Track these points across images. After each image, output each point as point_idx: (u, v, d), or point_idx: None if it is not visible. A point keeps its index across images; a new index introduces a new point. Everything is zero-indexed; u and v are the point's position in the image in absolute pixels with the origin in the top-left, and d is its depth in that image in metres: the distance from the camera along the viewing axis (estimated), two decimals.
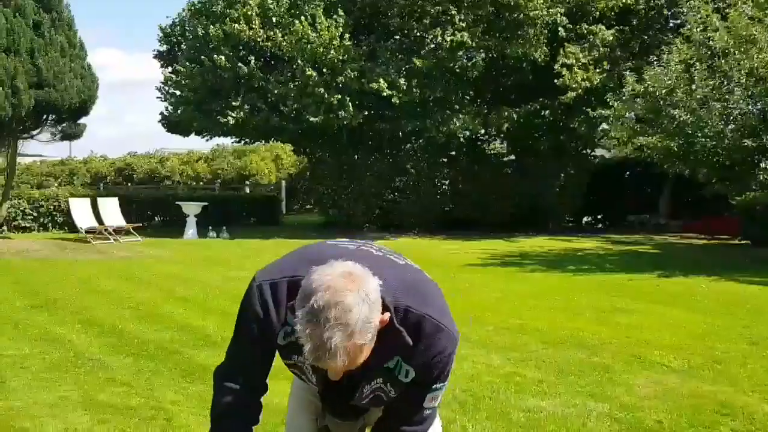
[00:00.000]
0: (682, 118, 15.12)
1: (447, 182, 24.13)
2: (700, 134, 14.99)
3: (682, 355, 7.42)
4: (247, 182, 34.24)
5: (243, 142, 27.19)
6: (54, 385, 6.04)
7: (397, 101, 20.16)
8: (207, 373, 6.11)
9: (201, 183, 36.14)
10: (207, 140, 26.87)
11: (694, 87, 15.17)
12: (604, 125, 21.44)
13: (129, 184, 35.12)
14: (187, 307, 9.88)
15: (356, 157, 23.66)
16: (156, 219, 24.27)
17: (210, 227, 21.49)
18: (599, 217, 28.30)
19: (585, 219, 28.13)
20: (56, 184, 31.69)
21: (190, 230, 21.07)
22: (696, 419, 5.47)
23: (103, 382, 6.18)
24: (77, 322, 8.63)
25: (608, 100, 17.87)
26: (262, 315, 2.06)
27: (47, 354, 7.09)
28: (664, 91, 15.62)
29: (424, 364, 2.00)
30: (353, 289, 1.77)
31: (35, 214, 20.90)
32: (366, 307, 1.77)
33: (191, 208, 21.47)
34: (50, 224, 21.15)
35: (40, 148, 28.40)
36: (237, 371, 2.21)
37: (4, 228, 19.51)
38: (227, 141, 31.88)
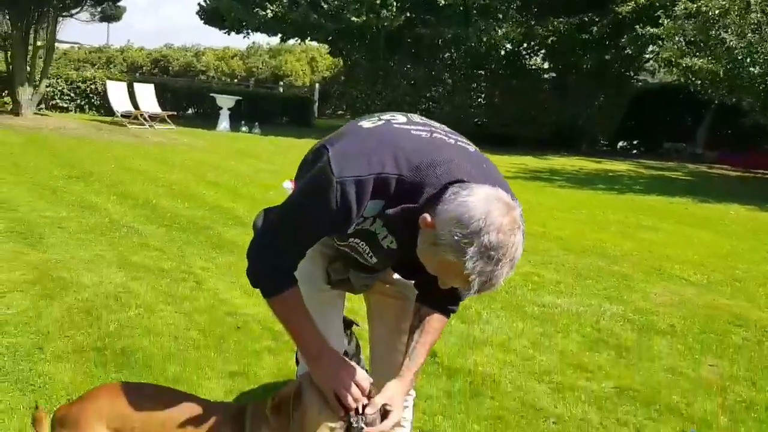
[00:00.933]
0: (732, 43, 14.59)
1: (483, 95, 23.78)
2: (749, 60, 14.49)
3: (703, 271, 7.48)
4: (281, 83, 34.04)
5: (279, 37, 26.86)
6: (90, 245, 6.31)
7: (442, 1, 19.60)
8: (236, 247, 6.35)
9: (235, 80, 36.03)
10: (244, 37, 26.61)
11: (749, 10, 14.55)
12: (652, 47, 20.77)
13: (164, 76, 35.15)
14: (218, 191, 10.10)
15: (392, 63, 23.30)
16: (190, 110, 24.43)
17: (242, 122, 21.61)
18: (635, 142, 27.86)
19: (620, 143, 27.71)
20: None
21: (223, 123, 21.22)
22: (708, 327, 5.57)
23: (137, 246, 6.44)
24: (112, 194, 8.90)
25: (659, 17, 17.24)
26: (343, 216, 1.91)
27: (83, 218, 7.36)
28: (717, 12, 15.01)
29: None
30: (517, 226, 1.82)
31: (72, 95, 21.17)
32: (523, 239, 1.87)
33: (225, 101, 21.54)
34: (87, 106, 21.44)
35: (78, 36, 28.28)
36: (284, 253, 2.05)
37: (42, 106, 19.80)
38: (263, 39, 31.46)
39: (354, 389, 1.97)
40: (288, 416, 2.00)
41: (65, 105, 21.18)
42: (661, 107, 26.34)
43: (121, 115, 19.06)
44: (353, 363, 2.09)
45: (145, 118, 19.10)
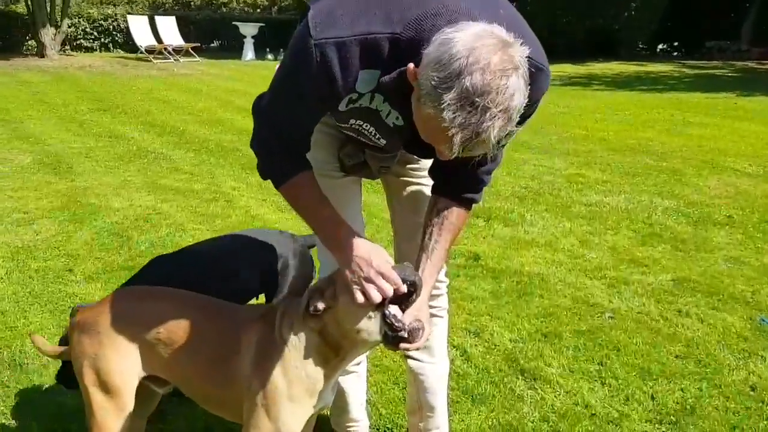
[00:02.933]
0: None
1: (515, 3, 22.71)
2: None
3: (758, 163, 7.05)
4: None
5: None
6: (118, 172, 6.18)
7: None
8: None
9: (258, 10, 35.21)
10: None
11: None
12: None
13: (185, 10, 34.47)
14: (246, 116, 9.83)
15: None
16: (214, 42, 23.97)
17: (267, 50, 21.13)
18: (675, 44, 26.55)
19: (659, 46, 26.47)
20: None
21: (249, 53, 20.77)
22: None
23: (166, 171, 6.29)
24: (140, 124, 8.74)
25: None
26: (326, 85, 1.60)
27: (111, 148, 7.22)
28: None
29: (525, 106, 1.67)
30: (512, 66, 1.38)
31: (96, 34, 20.88)
32: (525, 86, 1.42)
33: (248, 29, 21.02)
34: (111, 44, 21.16)
35: None
36: (284, 134, 1.75)
37: (67, 47, 19.63)
38: None
39: (384, 281, 1.66)
40: (321, 318, 1.79)
41: (89, 44, 20.92)
42: (701, 4, 24.92)
43: (145, 50, 18.78)
44: (382, 248, 1.81)
45: (169, 52, 18.79)
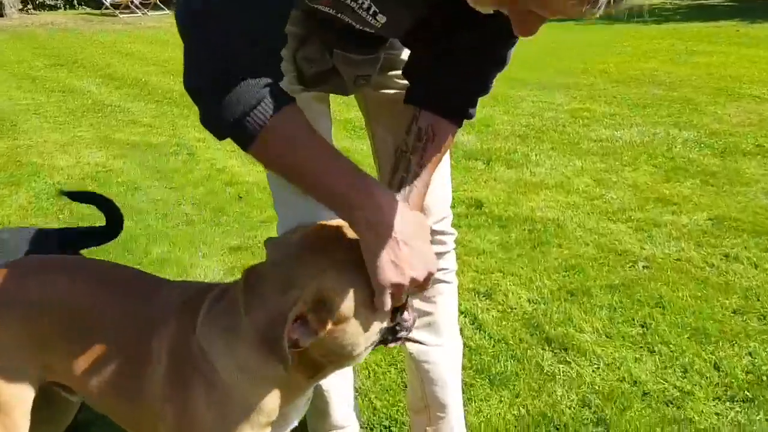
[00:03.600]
0: None
1: None
2: None
3: None
4: None
5: None
6: (68, 128, 5.48)
7: None
8: None
9: None
10: None
11: None
12: None
13: None
14: None
15: None
16: None
17: None
18: None
19: None
20: None
21: None
22: None
23: (122, 124, 5.59)
24: (98, 77, 7.97)
25: None
26: None
27: (63, 103, 6.49)
28: None
29: None
30: None
31: None
32: None
33: None
34: (76, 1, 20.07)
35: None
36: (234, 33, 1.02)
37: (30, 6, 18.56)
38: None
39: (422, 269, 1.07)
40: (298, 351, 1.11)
41: (53, 2, 19.82)
42: None
43: (111, 5, 17.74)
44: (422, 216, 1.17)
45: (136, 6, 17.76)
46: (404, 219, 1.05)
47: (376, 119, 1.57)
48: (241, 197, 3.84)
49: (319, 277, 1.08)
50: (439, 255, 1.52)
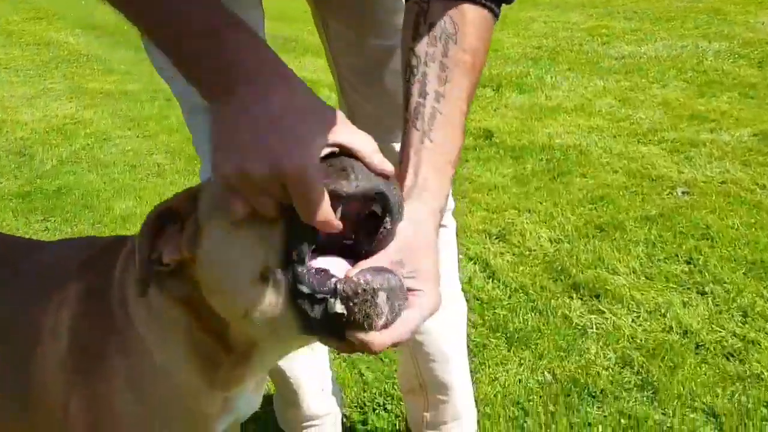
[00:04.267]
0: None
1: None
2: None
3: None
4: None
5: None
6: (38, 80, 5.05)
7: None
8: None
9: None
10: None
11: None
12: None
13: None
14: None
15: None
16: None
17: None
18: None
19: None
20: None
21: None
22: None
23: (97, 73, 5.15)
24: (78, 27, 7.47)
25: None
26: None
27: (38, 56, 6.04)
28: None
29: None
30: None
31: None
32: None
33: None
34: None
35: None
36: None
37: None
38: None
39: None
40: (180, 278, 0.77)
41: None
42: None
43: None
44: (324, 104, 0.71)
45: None
46: (293, 94, 0.65)
47: (328, 6, 1.11)
48: None
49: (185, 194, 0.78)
50: None
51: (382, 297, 0.62)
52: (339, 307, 0.61)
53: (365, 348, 0.62)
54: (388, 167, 0.64)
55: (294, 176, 0.60)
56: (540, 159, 2.93)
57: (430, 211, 0.72)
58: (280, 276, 0.65)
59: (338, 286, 0.62)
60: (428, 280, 0.67)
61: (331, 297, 0.61)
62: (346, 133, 0.64)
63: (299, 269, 0.63)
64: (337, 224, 0.61)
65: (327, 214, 0.60)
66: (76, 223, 2.62)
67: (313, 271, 0.64)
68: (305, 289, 0.62)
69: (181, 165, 3.15)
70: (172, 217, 0.75)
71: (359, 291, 0.61)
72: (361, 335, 0.62)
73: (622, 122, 3.26)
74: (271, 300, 0.66)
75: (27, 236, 2.53)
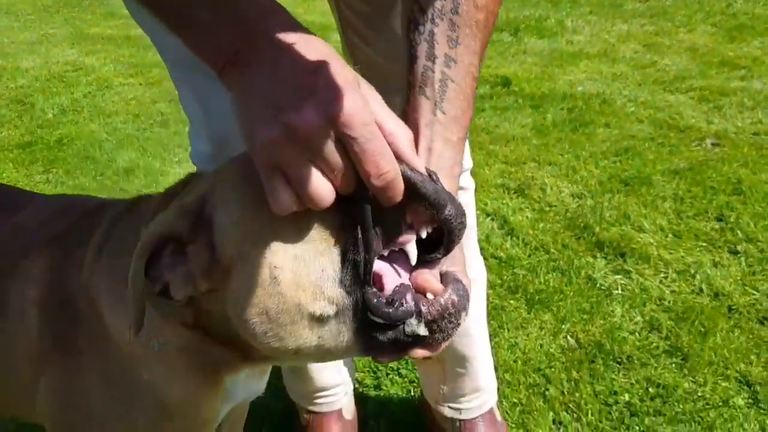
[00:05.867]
0: None
1: None
2: None
3: None
4: None
5: None
6: (39, 25, 4.89)
7: None
8: None
9: None
10: None
11: None
12: None
13: None
14: None
15: None
16: None
17: None
18: None
19: None
20: None
21: None
22: None
23: (99, 18, 4.99)
24: None
25: None
26: None
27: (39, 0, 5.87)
28: None
29: None
30: None
31: None
32: None
33: None
34: None
35: None
36: None
37: None
38: None
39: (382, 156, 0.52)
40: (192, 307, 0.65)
41: None
42: None
43: None
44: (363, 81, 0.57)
45: None
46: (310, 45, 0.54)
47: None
48: None
49: (212, 186, 0.62)
50: None
51: (464, 315, 0.57)
52: (423, 330, 0.55)
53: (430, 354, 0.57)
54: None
55: (353, 116, 0.50)
56: (561, 108, 2.79)
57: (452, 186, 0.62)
58: (346, 306, 0.56)
59: (423, 309, 0.55)
60: (457, 264, 0.58)
61: (413, 319, 0.55)
62: (386, 117, 0.53)
63: (369, 298, 0.55)
64: (400, 187, 0.53)
65: (393, 166, 0.52)
66: (78, 175, 2.53)
67: (384, 300, 0.55)
68: (379, 320, 0.55)
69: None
70: (173, 241, 0.61)
71: (446, 314, 0.56)
72: (426, 350, 0.56)
73: (648, 69, 3.10)
74: (334, 334, 0.57)
75: (28, 188, 2.46)
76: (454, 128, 0.65)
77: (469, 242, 1.12)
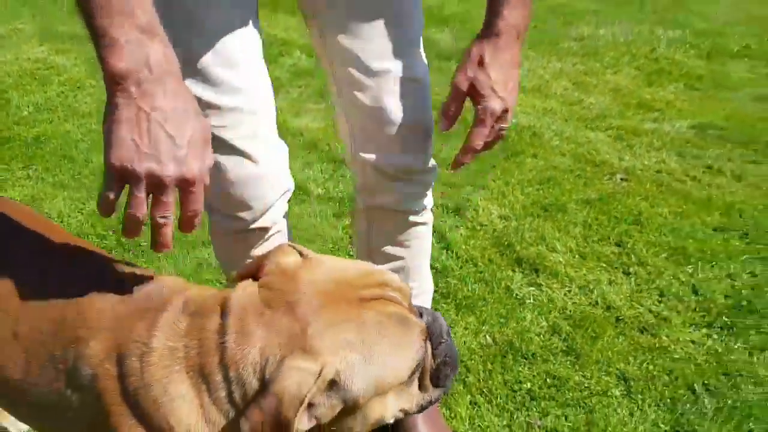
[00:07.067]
0: None
1: None
2: None
3: None
4: None
5: None
6: (7, 19, 5.01)
7: None
8: None
9: None
10: None
11: None
12: None
13: None
14: None
15: None
16: None
17: None
18: None
19: None
20: None
21: None
22: None
23: (67, 14, 5.13)
24: None
25: None
26: None
27: None
28: None
29: None
30: None
31: None
32: None
33: None
34: None
35: None
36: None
37: None
38: None
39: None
40: None
41: None
42: None
43: None
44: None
45: None
46: (173, 91, 0.79)
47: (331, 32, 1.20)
48: None
49: (341, 353, 0.82)
50: (416, 194, 1.32)
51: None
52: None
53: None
54: None
55: (195, 180, 0.79)
56: None
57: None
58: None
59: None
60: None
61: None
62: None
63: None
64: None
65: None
66: (57, 172, 2.75)
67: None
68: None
69: None
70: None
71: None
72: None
73: (574, 106, 3.50)
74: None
75: (10, 183, 2.67)
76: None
77: (423, 255, 1.45)
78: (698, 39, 4.56)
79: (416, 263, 1.45)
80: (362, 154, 1.27)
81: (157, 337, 0.83)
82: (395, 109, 1.20)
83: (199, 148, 0.80)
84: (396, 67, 1.19)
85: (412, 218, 1.39)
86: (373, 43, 1.16)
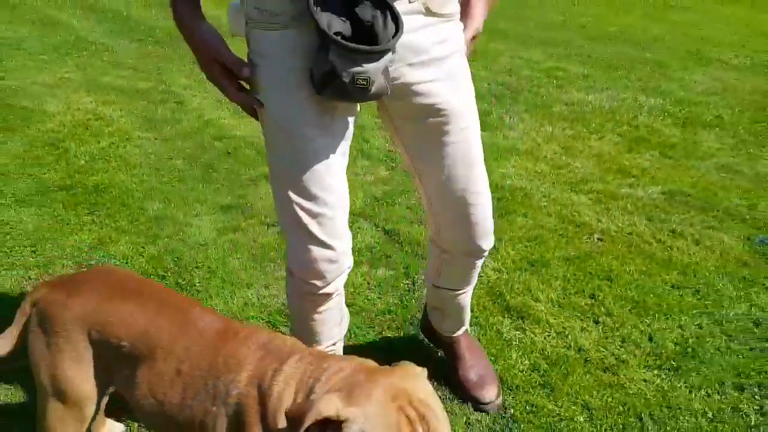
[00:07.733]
0: None
1: None
2: None
3: (744, 53, 6.69)
4: None
5: None
6: (54, 67, 5.55)
7: None
8: None
9: None
10: None
11: None
12: None
13: None
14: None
15: None
16: None
17: None
18: None
19: None
20: None
21: None
22: (759, 116, 4.93)
23: (107, 66, 5.68)
24: (78, 8, 7.91)
25: None
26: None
27: (46, 37, 6.50)
28: None
29: None
30: None
31: None
32: None
33: None
34: None
35: None
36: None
37: None
38: None
39: None
40: None
41: None
42: None
43: None
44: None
45: None
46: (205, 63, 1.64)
47: (411, 141, 1.72)
48: (229, 153, 4.05)
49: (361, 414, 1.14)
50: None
51: None
52: None
53: None
54: None
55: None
56: (494, 197, 3.63)
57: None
58: None
59: None
60: None
61: None
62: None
63: None
64: None
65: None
66: (117, 218, 3.23)
67: None
68: None
69: (197, 172, 3.77)
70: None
71: None
72: None
73: (562, 170, 4.00)
74: None
75: (78, 227, 3.15)
76: None
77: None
78: (676, 107, 5.09)
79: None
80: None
81: (283, 371, 1.30)
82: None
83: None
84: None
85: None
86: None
